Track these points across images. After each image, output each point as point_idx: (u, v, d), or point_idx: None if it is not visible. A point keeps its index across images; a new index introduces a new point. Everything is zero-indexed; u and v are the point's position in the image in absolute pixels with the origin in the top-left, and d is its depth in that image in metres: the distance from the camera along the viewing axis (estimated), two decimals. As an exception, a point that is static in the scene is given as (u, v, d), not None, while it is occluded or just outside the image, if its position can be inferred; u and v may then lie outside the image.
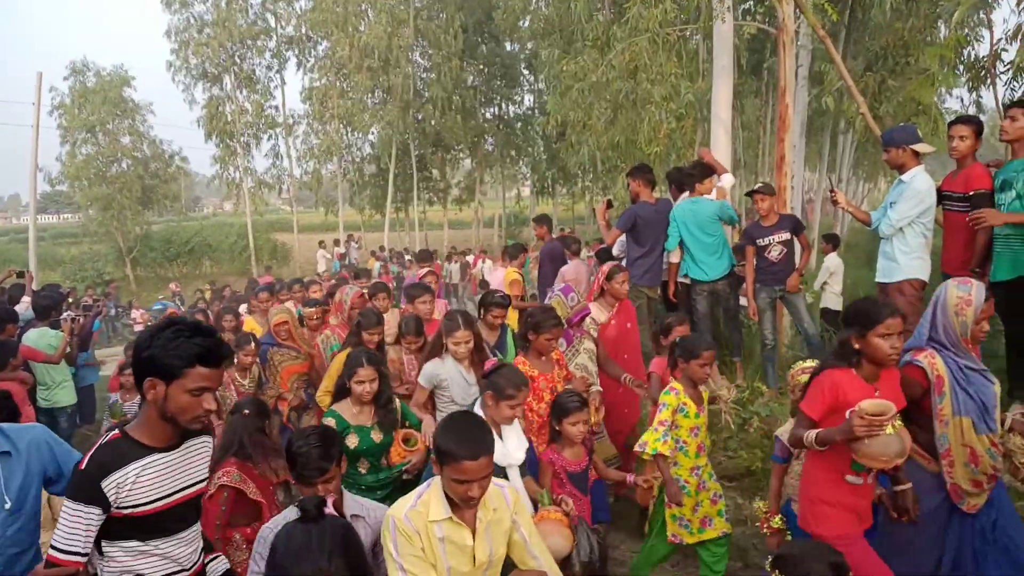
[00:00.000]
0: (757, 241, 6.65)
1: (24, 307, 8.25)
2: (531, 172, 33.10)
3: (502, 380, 3.58)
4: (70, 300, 14.93)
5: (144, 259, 33.66)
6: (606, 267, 5.63)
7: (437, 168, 33.12)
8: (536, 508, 3.53)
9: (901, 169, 5.55)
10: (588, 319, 5.29)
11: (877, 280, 5.76)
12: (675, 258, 7.05)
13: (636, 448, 4.10)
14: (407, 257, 21.96)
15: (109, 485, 2.31)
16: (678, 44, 10.26)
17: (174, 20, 28.22)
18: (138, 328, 19.35)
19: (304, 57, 29.94)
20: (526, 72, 31.23)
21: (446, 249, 28.59)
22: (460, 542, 2.72)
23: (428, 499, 2.72)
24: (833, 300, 9.57)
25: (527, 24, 23.21)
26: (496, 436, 3.49)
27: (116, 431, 2.46)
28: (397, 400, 4.58)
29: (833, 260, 9.84)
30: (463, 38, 27.32)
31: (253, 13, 29.33)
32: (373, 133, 29.82)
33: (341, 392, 4.40)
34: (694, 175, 6.94)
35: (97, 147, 30.84)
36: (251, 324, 7.70)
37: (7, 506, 2.69)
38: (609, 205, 7.86)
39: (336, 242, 27.92)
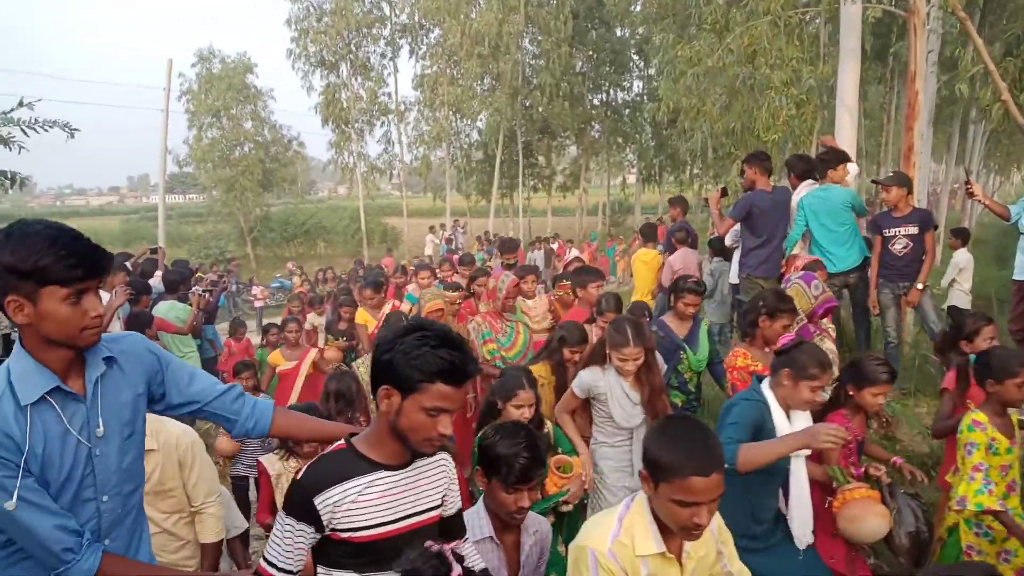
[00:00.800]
0: (883, 231, 6.37)
1: (156, 281, 8.76)
2: (638, 159, 32.71)
3: (804, 357, 3.15)
4: (199, 275, 15.81)
5: (263, 239, 35.26)
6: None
7: (543, 155, 33.18)
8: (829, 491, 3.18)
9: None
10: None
11: (1015, 278, 5.46)
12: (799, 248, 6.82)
13: (954, 507, 3.30)
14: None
15: (324, 502, 2.01)
16: (799, 27, 9.90)
17: (294, 9, 29.27)
18: (258, 304, 20.32)
19: (416, 44, 30.50)
20: (636, 58, 30.82)
21: (550, 235, 28.67)
22: None
23: (631, 526, 2.21)
24: (961, 298, 9.06)
25: (639, 8, 22.87)
26: (783, 419, 3.19)
27: (342, 440, 2.15)
28: (549, 423, 4.17)
29: (962, 256, 9.31)
30: (573, 24, 27.18)
31: (369, 2, 30.05)
32: (481, 120, 30.12)
33: (490, 413, 3.89)
34: (828, 161, 6.67)
35: (221, 131, 32.51)
36: (363, 316, 7.51)
37: (115, 431, 2.14)
38: (724, 193, 7.68)
39: (442, 226, 28.43)
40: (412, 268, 12.51)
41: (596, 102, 31.76)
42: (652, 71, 26.65)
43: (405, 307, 7.66)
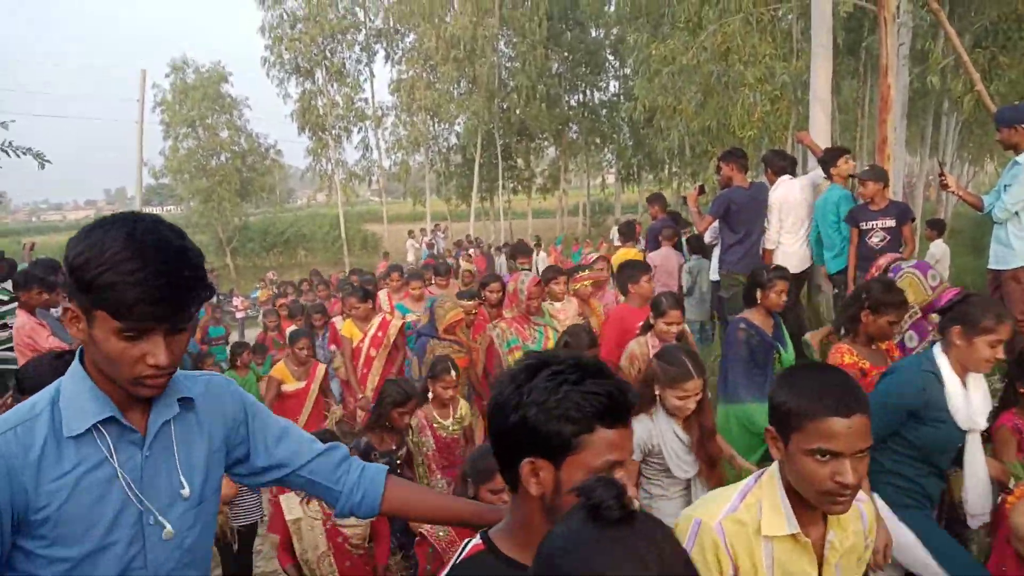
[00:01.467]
0: (861, 224, 6.40)
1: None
2: (616, 159, 32.81)
3: (975, 309, 2.80)
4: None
5: (243, 249, 35.06)
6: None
7: (522, 157, 33.20)
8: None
9: (1015, 150, 5.28)
10: None
11: (990, 267, 5.50)
12: (771, 245, 6.87)
13: None
14: (470, 250, 22.07)
15: None
16: (772, 24, 9.97)
17: (268, 17, 29.12)
18: (239, 315, 20.17)
19: (392, 49, 30.44)
20: (611, 58, 30.92)
21: (531, 238, 28.67)
22: (798, 574, 1.82)
23: (756, 502, 1.83)
24: (938, 288, 9.15)
25: (613, 9, 22.97)
26: (958, 386, 2.85)
27: (479, 541, 1.52)
28: None
29: (938, 247, 9.42)
30: (548, 25, 27.23)
31: (343, 7, 29.95)
32: (459, 123, 30.11)
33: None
34: (827, 160, 6.73)
35: (197, 141, 32.32)
36: (348, 329, 6.81)
37: (184, 492, 1.62)
38: (701, 191, 7.71)
39: (422, 231, 28.37)
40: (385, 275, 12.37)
41: (573, 103, 31.84)
42: (628, 71, 26.75)
43: (397, 319, 7.10)
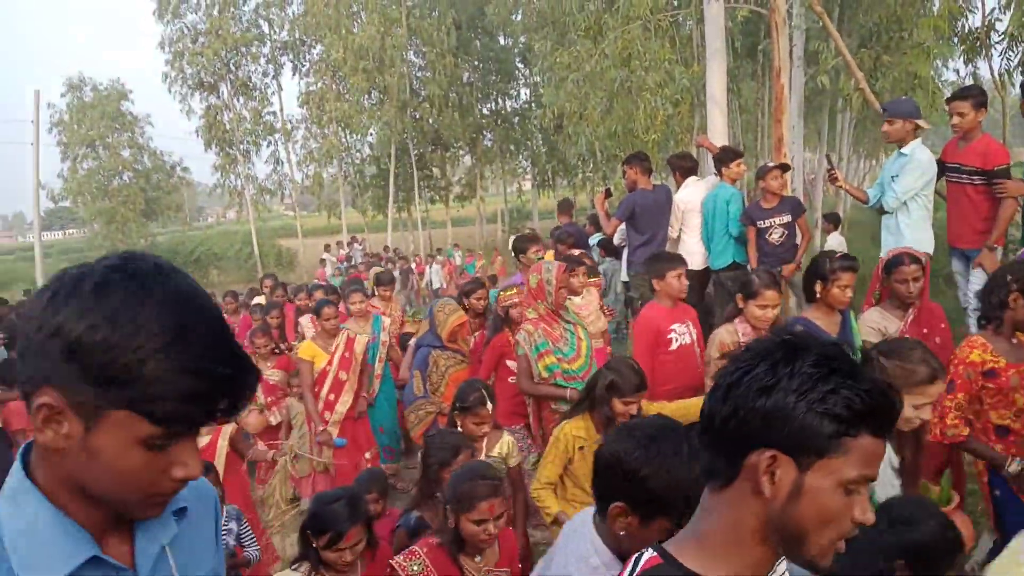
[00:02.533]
0: (758, 223, 6.61)
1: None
2: (531, 166, 33.07)
3: None
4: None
5: (150, 271, 33.80)
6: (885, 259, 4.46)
7: (437, 166, 33.12)
8: None
9: (901, 143, 5.53)
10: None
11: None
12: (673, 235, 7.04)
13: None
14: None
15: None
16: (671, 29, 10.21)
17: (167, 31, 28.29)
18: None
19: (299, 61, 30.01)
20: (521, 66, 31.18)
21: (450, 246, 28.62)
22: None
23: None
24: (838, 279, 9.53)
25: (519, 18, 23.16)
26: None
27: (654, 553, 1.25)
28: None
29: (835, 239, 9.82)
30: (456, 35, 27.29)
31: (246, 20, 29.36)
32: (372, 134, 29.85)
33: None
34: (721, 159, 6.89)
35: (98, 161, 31.15)
36: (310, 350, 5.97)
37: None
38: (608, 194, 7.84)
39: (338, 244, 27.95)
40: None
41: (485, 111, 31.95)
42: (537, 78, 27.03)
43: (362, 334, 6.27)
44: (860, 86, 7.15)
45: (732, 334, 4.07)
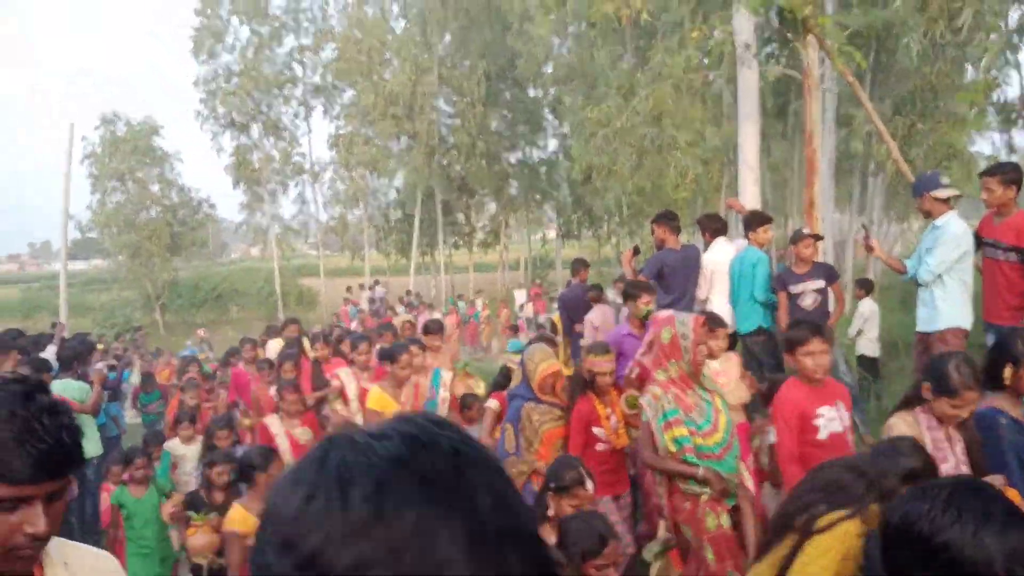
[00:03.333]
0: (790, 288, 6.48)
1: (49, 355, 8.22)
2: (556, 215, 33.13)
3: None
4: (100, 347, 15.00)
5: (172, 305, 34.02)
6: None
7: (462, 212, 33.28)
8: None
9: (931, 215, 5.43)
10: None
11: (918, 330, 5.57)
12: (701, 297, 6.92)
13: None
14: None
15: None
16: (702, 89, 10.24)
17: (202, 71, 28.88)
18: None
19: (330, 105, 30.47)
20: (550, 116, 31.39)
21: (471, 292, 28.59)
22: None
23: None
24: (869, 347, 9.29)
25: (550, 70, 23.42)
26: None
27: None
28: None
29: (868, 305, 9.58)
30: (486, 85, 27.60)
31: (280, 62, 29.91)
32: (398, 179, 30.09)
33: None
34: (749, 223, 6.79)
35: (127, 195, 31.55)
36: (380, 401, 5.57)
37: None
38: (636, 252, 7.73)
39: (361, 286, 28.01)
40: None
41: (512, 160, 32.15)
42: (566, 129, 27.22)
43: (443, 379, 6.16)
44: (893, 156, 7.05)
45: (912, 426, 3.34)
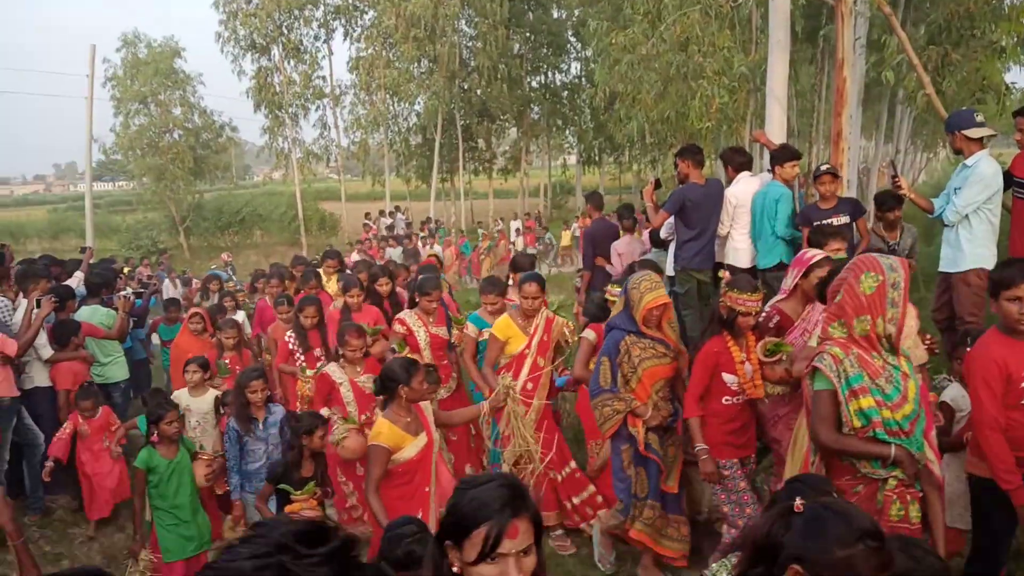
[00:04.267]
0: (815, 224, 6.43)
1: (76, 282, 8.38)
2: (577, 142, 32.75)
3: None
4: (126, 271, 15.22)
5: (197, 228, 34.34)
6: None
7: (483, 138, 32.98)
8: None
9: (963, 153, 5.33)
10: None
11: (940, 270, 5.56)
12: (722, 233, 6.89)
13: None
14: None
15: None
16: (731, 14, 9.95)
17: (222, -9, 28.36)
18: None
19: (351, 27, 29.91)
20: (573, 40, 30.75)
21: (490, 219, 28.58)
22: None
23: None
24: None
25: (575, -9, 22.84)
26: None
27: None
28: None
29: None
30: (509, 6, 26.96)
31: (301, -18, 29.29)
32: (419, 103, 29.76)
33: None
34: (776, 157, 6.70)
35: (149, 118, 31.53)
36: (506, 328, 5.34)
37: None
38: (657, 185, 7.66)
39: (381, 213, 28.07)
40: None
41: (535, 84, 31.66)
42: (589, 53, 26.64)
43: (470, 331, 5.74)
44: (927, 91, 6.87)
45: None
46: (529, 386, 5.22)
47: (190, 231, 33.80)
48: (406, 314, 6.05)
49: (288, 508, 4.35)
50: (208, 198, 36.81)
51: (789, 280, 4.44)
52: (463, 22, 28.71)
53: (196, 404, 5.76)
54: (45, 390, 6.31)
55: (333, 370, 5.25)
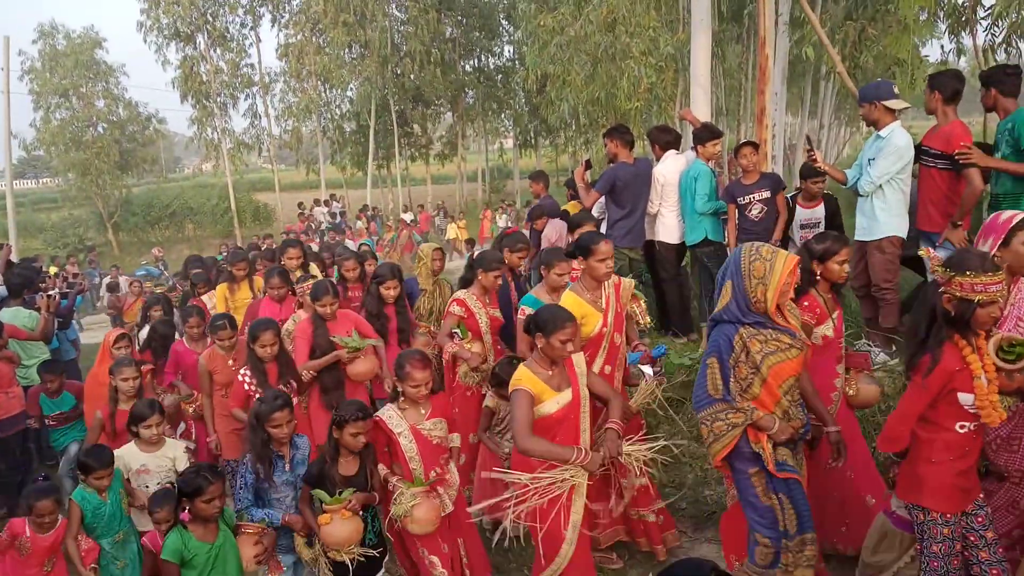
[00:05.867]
0: (738, 199, 6.62)
1: (-3, 282, 8.08)
2: (513, 125, 32.78)
3: None
4: (53, 270, 14.68)
5: (126, 224, 33.32)
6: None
7: (418, 123, 32.76)
8: None
9: (876, 125, 5.52)
10: None
11: (856, 238, 5.75)
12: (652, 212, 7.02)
13: None
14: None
15: None
16: (657, -5, 10.11)
17: (142, -23, 27.46)
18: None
19: (278, 13, 29.29)
20: (505, 23, 30.72)
21: (429, 205, 28.44)
22: None
23: None
24: (814, 252, 9.56)
25: (505, -27, 22.80)
26: None
27: None
28: None
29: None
30: (440, -11, 26.81)
31: (224, -32, 28.57)
32: (351, 89, 29.39)
33: None
34: (699, 136, 6.86)
35: (71, 111, 30.37)
36: (578, 306, 4.18)
37: None
38: (588, 166, 7.77)
39: (316, 202, 27.70)
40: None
41: (468, 68, 31.54)
42: (521, 35, 26.70)
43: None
44: (837, 69, 7.11)
45: None
46: (607, 369, 4.35)
47: (119, 227, 32.78)
48: (465, 295, 5.27)
49: (320, 520, 3.70)
50: (137, 192, 35.71)
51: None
52: (393, 6, 28.44)
53: (155, 462, 4.44)
54: (-34, 394, 6.11)
55: (390, 416, 3.92)
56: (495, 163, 38.72)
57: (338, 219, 25.48)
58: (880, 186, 5.49)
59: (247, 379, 4.93)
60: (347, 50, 27.85)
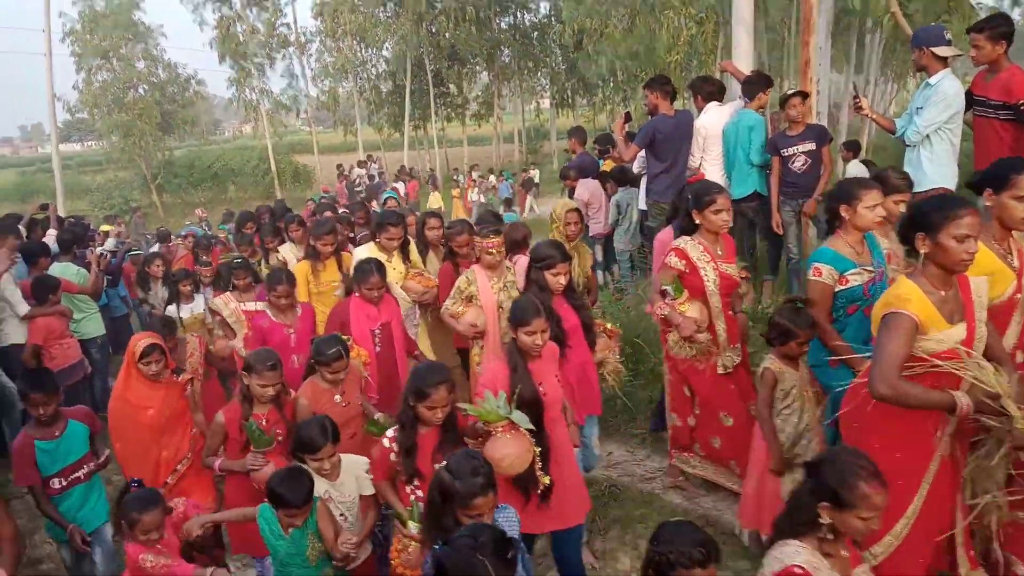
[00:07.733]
0: (782, 151, 6.50)
1: (50, 239, 8.31)
2: (550, 84, 32.42)
3: None
4: (105, 229, 14.87)
5: (169, 185, 33.82)
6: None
7: (454, 83, 32.56)
8: None
9: (927, 72, 5.36)
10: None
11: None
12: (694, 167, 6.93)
13: None
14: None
15: None
16: (698, -57, 9.85)
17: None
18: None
19: (313, -29, 29.23)
20: (542, -23, 30.27)
21: (466, 167, 28.35)
22: None
23: None
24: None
25: (542, -73, 22.38)
26: None
27: None
28: None
29: (854, 167, 9.61)
30: (475, -56, 26.44)
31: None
32: (387, 49, 29.27)
33: None
34: (752, 86, 6.73)
35: (112, 73, 30.70)
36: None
37: None
38: (627, 119, 7.65)
39: (359, 163, 27.79)
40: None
41: (504, 25, 31.17)
42: (558, -9, 26.28)
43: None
44: (892, 9, 6.88)
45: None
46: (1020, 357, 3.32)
47: (162, 188, 33.29)
48: (687, 242, 4.18)
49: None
50: (179, 154, 36.19)
51: None
52: (428, -38, 28.14)
53: (336, 491, 3.53)
54: (21, 347, 6.29)
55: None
56: (532, 123, 38.40)
57: (376, 180, 25.52)
58: (927, 136, 5.34)
59: (392, 446, 3.24)
60: (382, 8, 27.71)
